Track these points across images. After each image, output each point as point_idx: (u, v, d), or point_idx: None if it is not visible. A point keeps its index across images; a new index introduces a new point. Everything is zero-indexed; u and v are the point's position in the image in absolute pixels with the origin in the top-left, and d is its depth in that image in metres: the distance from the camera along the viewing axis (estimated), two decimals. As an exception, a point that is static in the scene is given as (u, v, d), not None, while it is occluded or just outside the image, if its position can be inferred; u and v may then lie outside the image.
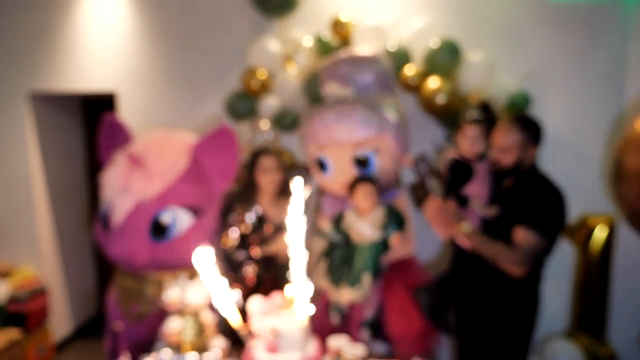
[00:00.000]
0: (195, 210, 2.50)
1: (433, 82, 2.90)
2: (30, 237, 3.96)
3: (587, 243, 2.92)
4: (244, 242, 2.68)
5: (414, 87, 2.99)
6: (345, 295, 2.30)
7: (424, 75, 2.98)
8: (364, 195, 2.37)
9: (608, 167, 2.81)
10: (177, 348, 2.12)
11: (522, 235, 2.05)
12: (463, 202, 2.25)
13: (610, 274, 2.92)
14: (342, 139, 2.42)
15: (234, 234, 2.66)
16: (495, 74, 2.97)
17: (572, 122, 3.05)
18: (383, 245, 2.35)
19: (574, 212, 3.02)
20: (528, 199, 2.10)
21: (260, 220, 2.70)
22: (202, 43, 3.51)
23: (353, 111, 2.41)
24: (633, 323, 2.98)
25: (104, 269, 4.38)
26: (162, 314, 2.46)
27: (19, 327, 3.67)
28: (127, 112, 3.66)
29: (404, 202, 2.59)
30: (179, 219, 2.45)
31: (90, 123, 4.37)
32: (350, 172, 2.47)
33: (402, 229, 2.37)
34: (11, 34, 3.77)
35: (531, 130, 2.15)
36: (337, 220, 2.46)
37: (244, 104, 3.27)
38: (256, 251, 2.64)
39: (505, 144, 2.13)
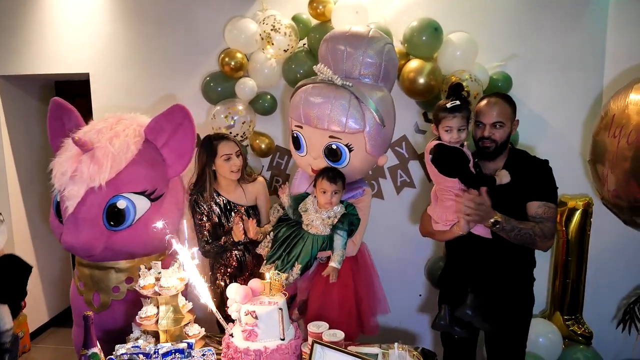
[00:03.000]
0: (152, 195, 2.41)
1: (413, 63, 2.86)
2: (6, 226, 3.83)
3: (565, 224, 2.94)
4: (216, 231, 2.63)
5: (394, 69, 2.94)
6: (270, 276, 2.19)
7: (404, 56, 2.94)
8: (326, 192, 2.31)
9: (586, 149, 2.83)
10: (153, 335, 2.09)
11: (543, 209, 2.11)
12: (481, 181, 2.12)
13: (587, 254, 2.95)
14: (320, 123, 2.32)
15: (205, 226, 2.61)
16: (475, 55, 2.93)
17: (552, 104, 3.04)
18: (326, 241, 2.34)
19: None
20: (529, 173, 2.15)
21: (228, 207, 2.65)
22: (178, 23, 3.39)
23: (338, 98, 2.29)
24: (607, 302, 3.03)
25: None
26: (128, 301, 2.42)
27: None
28: (100, 95, 3.55)
29: (367, 202, 2.49)
30: (136, 205, 2.36)
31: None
32: (320, 158, 2.40)
33: (351, 235, 2.37)
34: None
35: (513, 104, 2.21)
36: (298, 200, 2.43)
37: (220, 86, 3.18)
38: (228, 238, 2.58)
39: (500, 117, 2.14)
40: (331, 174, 2.31)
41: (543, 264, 3.09)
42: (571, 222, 2.93)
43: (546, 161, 2.23)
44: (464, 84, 2.73)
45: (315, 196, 2.39)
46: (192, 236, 2.63)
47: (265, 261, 2.39)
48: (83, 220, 2.31)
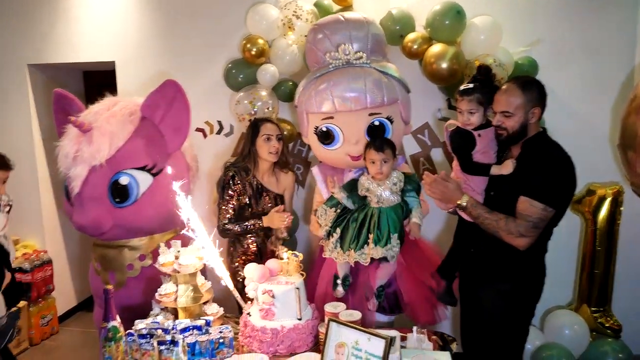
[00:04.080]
0: (152, 170, 2.45)
1: (435, 48, 2.82)
2: (35, 211, 3.96)
3: (593, 213, 2.85)
4: (242, 213, 2.63)
5: (417, 53, 2.90)
6: (375, 253, 2.19)
7: (427, 40, 2.89)
8: (375, 162, 2.26)
9: (615, 135, 2.73)
10: (172, 313, 2.11)
11: (525, 206, 1.96)
12: (476, 169, 2.12)
13: (616, 244, 2.85)
14: (356, 105, 2.30)
15: (232, 204, 2.59)
16: (500, 39, 2.87)
17: (579, 90, 2.95)
18: (404, 207, 2.30)
19: (580, 182, 2.97)
20: (532, 167, 2.00)
21: (259, 191, 2.65)
22: (202, 10, 3.43)
23: (367, 76, 2.31)
24: (636, 293, 2.92)
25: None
26: (143, 278, 2.46)
27: (24, 298, 3.71)
28: (125, 82, 3.62)
29: (408, 169, 2.54)
30: (138, 181, 2.42)
31: (90, 94, 4.33)
32: (362, 140, 2.37)
33: (419, 193, 2.35)
34: (12, 7, 3.73)
35: (533, 92, 2.04)
36: (351, 186, 2.37)
37: (242, 72, 3.20)
38: (255, 222, 2.57)
39: (507, 106, 2.02)
40: (377, 143, 2.28)
41: (570, 254, 3.03)
42: (600, 211, 2.84)
43: (564, 158, 2.02)
44: (489, 62, 2.68)
45: (368, 173, 2.34)
46: (210, 211, 2.65)
47: (353, 251, 2.23)
48: (89, 198, 2.39)
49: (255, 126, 2.65)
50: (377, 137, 2.35)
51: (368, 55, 2.44)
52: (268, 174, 2.68)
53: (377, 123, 2.35)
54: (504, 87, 2.08)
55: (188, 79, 3.46)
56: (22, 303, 3.65)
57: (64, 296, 4.13)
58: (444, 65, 2.78)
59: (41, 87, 3.92)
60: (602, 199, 2.84)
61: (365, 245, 2.22)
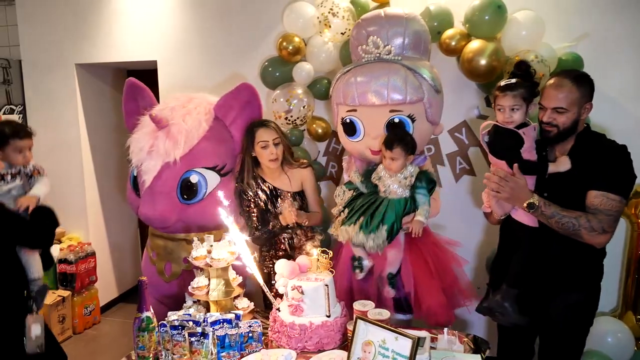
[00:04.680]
0: (222, 170, 2.50)
1: (474, 44, 2.75)
2: (80, 205, 4.12)
3: (640, 216, 2.72)
4: (265, 217, 2.59)
5: (454, 50, 2.85)
6: (356, 239, 2.21)
7: (465, 36, 2.83)
8: (385, 157, 2.26)
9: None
10: (204, 306, 2.15)
11: (601, 200, 1.88)
12: (531, 169, 2.00)
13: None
14: (377, 100, 2.31)
15: (254, 212, 2.57)
16: (543, 34, 2.77)
17: (626, 86, 2.82)
18: (408, 204, 2.26)
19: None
20: (597, 160, 1.92)
21: (273, 195, 2.59)
22: (239, 9, 3.48)
23: (392, 72, 2.30)
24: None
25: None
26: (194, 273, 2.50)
27: (68, 288, 3.87)
28: (166, 81, 3.72)
29: (430, 168, 2.49)
30: (207, 180, 2.46)
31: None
32: (382, 136, 2.36)
33: (431, 193, 2.29)
34: (61, 10, 3.90)
35: (586, 86, 1.96)
36: (369, 172, 2.38)
37: (278, 70, 3.22)
38: (275, 223, 2.55)
39: (562, 102, 1.93)
40: (388, 141, 2.25)
41: (615, 258, 2.89)
42: (647, 214, 2.71)
43: (622, 147, 1.96)
44: (531, 58, 2.60)
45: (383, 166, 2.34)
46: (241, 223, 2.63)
47: (342, 223, 2.29)
48: (159, 193, 2.45)
49: (250, 132, 2.56)
50: (398, 132, 2.32)
51: (403, 51, 2.41)
52: (277, 175, 2.62)
53: (396, 120, 2.33)
54: (553, 81, 1.98)
55: (225, 77, 3.55)
56: (66, 292, 3.82)
57: (106, 288, 4.29)
58: (483, 61, 2.71)
59: (88, 85, 4.08)
60: (651, 202, 2.70)
61: (353, 225, 2.23)
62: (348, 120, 2.43)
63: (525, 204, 1.94)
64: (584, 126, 2.03)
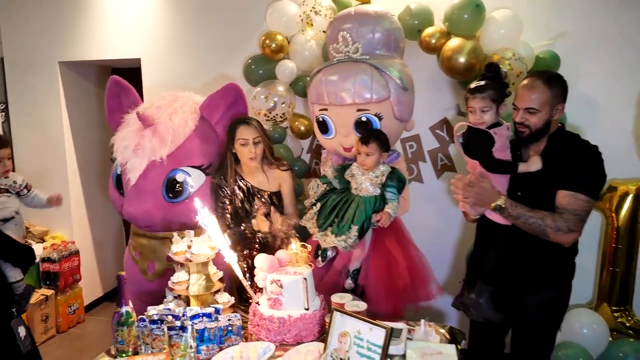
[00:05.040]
0: (207, 169, 2.51)
1: (453, 42, 2.79)
2: (64, 203, 4.07)
3: (615, 210, 2.78)
4: (239, 215, 2.57)
5: (435, 48, 2.89)
6: (328, 241, 2.26)
7: (445, 34, 2.87)
8: (360, 153, 2.30)
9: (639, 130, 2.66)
10: (185, 301, 2.17)
11: (569, 200, 1.90)
12: (501, 168, 2.03)
13: (638, 242, 2.77)
14: (345, 100, 2.35)
15: (228, 209, 2.55)
16: (521, 33, 2.82)
17: (603, 85, 2.88)
18: (378, 202, 2.30)
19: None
20: (566, 160, 1.94)
21: (250, 193, 2.57)
22: (223, 7, 3.50)
23: (359, 72, 2.34)
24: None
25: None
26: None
27: (51, 286, 3.86)
28: (150, 79, 3.73)
29: (404, 167, 2.54)
30: (192, 179, 2.47)
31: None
32: (351, 134, 2.41)
33: (401, 192, 2.34)
34: (43, 7, 3.89)
35: (558, 87, 1.98)
36: (343, 168, 2.42)
37: (262, 68, 3.24)
38: (247, 226, 2.53)
39: (533, 103, 1.95)
40: (365, 136, 2.30)
41: (590, 252, 2.95)
42: (621, 208, 2.77)
43: (593, 147, 1.97)
44: (506, 62, 2.65)
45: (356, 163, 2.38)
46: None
47: (317, 229, 2.34)
48: (144, 191, 2.45)
49: (232, 128, 2.53)
50: (370, 129, 2.36)
51: (373, 49, 2.43)
52: (256, 173, 2.60)
53: (364, 119, 2.38)
54: (526, 82, 2.01)
55: (209, 75, 3.57)
56: (49, 291, 3.80)
57: (90, 286, 4.28)
58: (462, 59, 2.75)
59: (71, 83, 4.07)
60: (623, 196, 2.76)
61: (330, 227, 2.29)
62: (321, 119, 2.48)
63: (492, 206, 1.97)
64: (557, 126, 2.04)
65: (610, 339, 2.80)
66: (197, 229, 2.30)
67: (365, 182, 2.32)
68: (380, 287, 2.33)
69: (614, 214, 2.79)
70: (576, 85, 2.90)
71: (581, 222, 1.93)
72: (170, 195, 2.47)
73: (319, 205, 2.39)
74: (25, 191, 3.04)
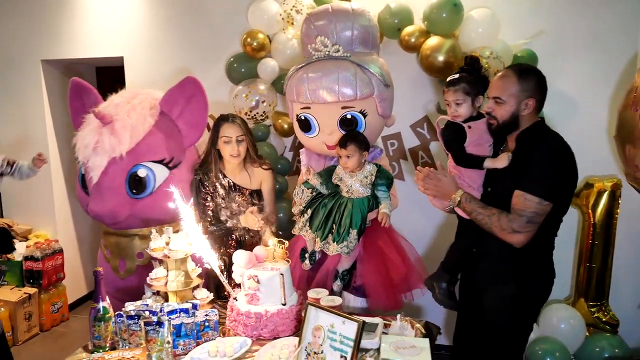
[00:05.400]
0: (170, 164, 2.52)
1: (432, 41, 2.83)
2: (48, 202, 4.09)
3: (592, 207, 2.83)
4: (219, 212, 2.57)
5: (414, 46, 2.92)
6: (332, 250, 2.27)
7: (424, 33, 2.91)
8: (341, 156, 2.30)
9: (613, 127, 2.70)
10: (163, 297, 2.18)
11: (519, 200, 1.86)
12: (468, 162, 2.06)
13: (614, 238, 2.82)
14: (329, 98, 2.33)
15: (209, 206, 2.56)
16: (498, 31, 2.86)
17: (580, 83, 2.92)
18: (371, 202, 2.31)
19: (580, 175, 2.94)
20: (525, 159, 1.90)
21: (231, 190, 2.59)
22: (206, 6, 3.51)
23: (342, 69, 2.32)
24: (634, 288, 2.88)
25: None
26: (151, 267, 2.52)
27: (35, 285, 3.85)
28: (134, 77, 3.72)
29: (386, 162, 2.55)
30: (155, 173, 2.48)
31: (102, 90, 4.43)
32: (336, 132, 2.40)
33: (389, 188, 2.35)
34: (25, 5, 3.88)
35: (530, 81, 1.92)
36: (328, 172, 2.41)
37: (244, 66, 3.25)
38: (234, 224, 2.55)
39: (500, 92, 1.93)
40: (342, 140, 2.31)
41: (568, 247, 3.00)
42: (598, 204, 2.81)
43: (557, 147, 1.90)
44: (484, 60, 2.69)
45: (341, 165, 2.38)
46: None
47: (318, 239, 2.31)
48: (107, 189, 2.45)
49: (216, 125, 2.56)
50: (350, 130, 2.36)
51: (352, 46, 2.43)
52: (238, 171, 2.62)
53: (349, 116, 2.36)
54: (501, 72, 2.00)
55: (194, 74, 3.55)
56: (32, 290, 3.79)
57: (74, 285, 4.26)
58: (440, 57, 2.79)
59: (55, 81, 4.05)
60: (600, 193, 2.81)
61: (330, 235, 2.28)
62: (303, 118, 2.46)
63: (450, 199, 2.01)
64: (534, 122, 1.98)
65: (587, 333, 2.84)
66: (169, 225, 2.34)
67: (355, 183, 2.31)
68: (379, 283, 2.36)
69: (590, 211, 2.84)
70: (554, 83, 2.93)
71: (529, 224, 1.86)
72: (134, 191, 2.49)
73: (309, 212, 2.35)
74: (9, 169, 3.03)
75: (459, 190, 2.01)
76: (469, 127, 2.05)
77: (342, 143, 2.29)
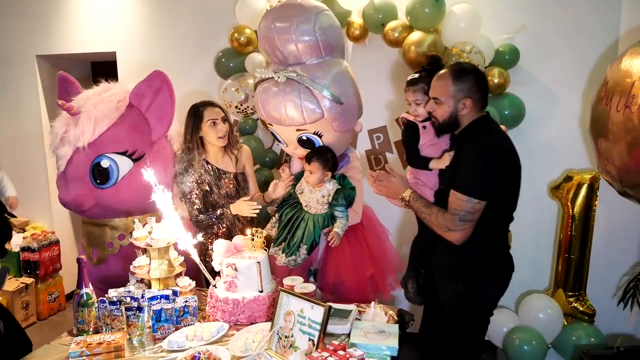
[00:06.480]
0: (133, 156, 2.59)
1: (414, 35, 2.88)
2: (44, 194, 4.19)
3: (571, 199, 2.88)
4: (207, 200, 2.62)
5: (397, 41, 2.97)
6: (279, 260, 2.35)
7: (407, 28, 2.96)
8: (313, 172, 2.34)
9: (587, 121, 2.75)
10: (147, 284, 2.26)
11: (452, 199, 1.89)
12: (417, 163, 2.11)
13: (592, 230, 2.87)
14: (282, 122, 2.34)
15: (195, 195, 2.60)
16: (480, 26, 2.91)
17: (561, 77, 2.96)
18: (327, 219, 2.37)
19: (560, 168, 2.99)
20: (461, 158, 1.91)
21: (217, 175, 2.64)
22: (193, 3, 3.57)
23: (287, 97, 2.25)
24: (610, 279, 2.93)
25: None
26: (122, 256, 2.62)
27: (31, 275, 3.95)
28: (126, 71, 3.80)
29: (357, 167, 2.53)
30: (118, 165, 2.56)
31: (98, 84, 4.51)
32: (299, 148, 2.43)
33: (351, 206, 2.39)
34: (22, 2, 3.95)
35: (466, 81, 1.89)
36: (297, 178, 2.48)
37: (232, 61, 3.32)
38: (224, 211, 2.59)
39: (437, 93, 1.93)
40: (307, 155, 2.36)
41: (547, 239, 3.06)
42: (577, 197, 2.86)
43: (484, 146, 1.86)
44: (464, 55, 2.73)
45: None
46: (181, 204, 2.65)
47: (272, 243, 2.42)
48: (72, 178, 2.57)
49: (196, 112, 2.58)
50: (310, 148, 2.39)
51: (301, 60, 2.29)
52: (221, 156, 2.67)
53: (304, 138, 2.37)
54: (439, 72, 1.96)
55: (184, 69, 3.64)
56: (29, 280, 3.89)
57: (71, 275, 4.33)
58: (420, 52, 2.83)
59: (49, 76, 4.12)
60: (579, 185, 2.86)
61: (281, 245, 2.38)
62: (271, 132, 2.53)
63: (399, 198, 2.08)
64: (474, 119, 1.94)
65: (565, 322, 2.90)
66: (146, 214, 2.42)
67: (312, 201, 2.38)
68: (341, 281, 2.40)
69: (569, 203, 2.89)
70: (536, 77, 3.00)
71: (461, 222, 1.86)
72: (98, 181, 2.57)
73: (277, 215, 2.46)
74: None
75: (407, 190, 2.08)
76: (424, 127, 2.09)
77: (308, 158, 2.35)
